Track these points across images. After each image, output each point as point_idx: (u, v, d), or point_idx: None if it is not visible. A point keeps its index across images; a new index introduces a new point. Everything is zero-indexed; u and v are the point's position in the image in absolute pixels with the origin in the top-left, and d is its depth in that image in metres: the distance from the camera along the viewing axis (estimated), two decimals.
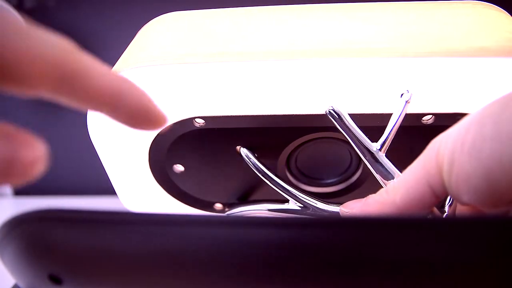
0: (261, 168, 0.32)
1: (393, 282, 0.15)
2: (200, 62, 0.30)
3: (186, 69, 0.30)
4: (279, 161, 0.34)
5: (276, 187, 0.32)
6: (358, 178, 0.35)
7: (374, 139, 0.28)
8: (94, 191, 0.68)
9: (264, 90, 0.30)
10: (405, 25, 0.32)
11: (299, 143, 0.33)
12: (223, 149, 0.33)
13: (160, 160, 0.34)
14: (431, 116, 0.30)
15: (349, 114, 0.29)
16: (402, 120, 0.28)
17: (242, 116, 0.31)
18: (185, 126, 0.32)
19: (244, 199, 0.36)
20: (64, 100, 0.16)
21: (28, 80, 0.14)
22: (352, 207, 0.24)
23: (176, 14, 0.38)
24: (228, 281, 0.16)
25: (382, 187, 0.26)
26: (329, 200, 0.32)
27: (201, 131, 0.32)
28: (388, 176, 0.27)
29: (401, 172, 0.27)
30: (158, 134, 0.33)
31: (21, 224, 0.16)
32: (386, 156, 0.28)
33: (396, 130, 0.27)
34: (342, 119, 0.28)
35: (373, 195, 0.23)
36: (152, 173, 0.35)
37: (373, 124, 0.30)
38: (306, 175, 0.35)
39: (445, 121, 0.30)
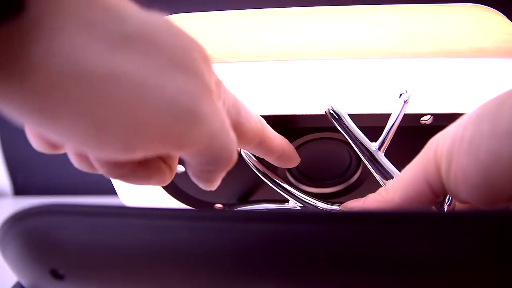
0: (261, 169, 0.32)
1: (393, 277, 0.16)
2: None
3: None
4: None
5: (276, 187, 0.32)
6: (357, 179, 0.35)
7: (374, 139, 0.28)
8: (94, 191, 0.68)
9: (264, 90, 0.30)
10: (404, 27, 0.32)
11: (299, 143, 0.33)
12: None
13: None
14: (429, 116, 0.30)
15: (348, 114, 0.29)
16: (401, 120, 0.28)
17: None
18: None
19: (244, 200, 0.37)
20: (253, 151, 0.27)
21: (247, 143, 0.25)
22: (352, 207, 0.24)
23: (180, 16, 0.38)
24: (230, 275, 0.16)
25: (382, 186, 0.27)
26: (329, 200, 0.32)
27: None
28: (387, 175, 0.27)
29: (400, 171, 0.27)
30: None
31: (22, 219, 0.16)
32: (385, 155, 0.28)
33: (395, 130, 0.28)
34: (341, 119, 0.28)
35: (373, 194, 0.23)
36: None
37: (372, 124, 0.30)
38: (306, 176, 0.36)
39: (443, 121, 0.30)
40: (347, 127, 0.28)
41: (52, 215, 0.16)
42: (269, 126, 0.27)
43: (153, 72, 0.15)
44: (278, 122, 0.31)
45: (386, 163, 0.28)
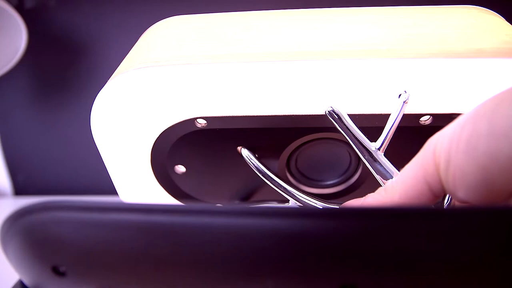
0: (261, 169, 0.33)
1: (395, 274, 0.16)
2: (202, 63, 0.30)
3: (188, 70, 0.30)
4: (280, 161, 0.34)
5: (277, 188, 0.32)
6: (357, 180, 0.35)
7: (374, 140, 0.28)
8: (94, 191, 0.68)
9: (265, 91, 0.30)
10: (403, 28, 0.32)
11: (300, 143, 0.33)
12: (224, 149, 0.34)
13: (162, 161, 0.34)
14: (429, 116, 0.30)
15: (348, 114, 0.29)
16: (401, 121, 0.28)
17: (243, 116, 0.31)
18: (187, 126, 0.32)
19: (246, 200, 0.37)
20: None
21: None
22: (351, 207, 0.24)
23: (179, 18, 0.38)
24: (229, 273, 0.16)
25: (381, 186, 0.27)
26: (330, 201, 0.32)
27: (202, 131, 0.32)
28: (387, 175, 0.27)
29: (399, 171, 0.27)
30: (160, 135, 0.33)
31: (23, 216, 0.16)
32: (384, 155, 0.28)
33: (395, 130, 0.28)
34: (341, 119, 0.28)
35: (372, 194, 0.23)
36: (154, 174, 0.35)
37: (372, 125, 0.30)
38: (306, 176, 0.36)
39: (442, 121, 0.30)
40: (347, 127, 0.28)
41: (52, 212, 0.16)
42: None
43: None
44: (278, 123, 0.31)
45: (386, 163, 0.28)
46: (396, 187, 0.22)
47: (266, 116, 0.31)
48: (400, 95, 0.28)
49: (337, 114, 0.28)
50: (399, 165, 0.27)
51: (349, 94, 0.30)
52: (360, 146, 0.28)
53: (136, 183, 0.37)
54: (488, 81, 0.29)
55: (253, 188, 0.36)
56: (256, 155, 0.33)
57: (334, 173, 0.35)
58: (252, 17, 0.36)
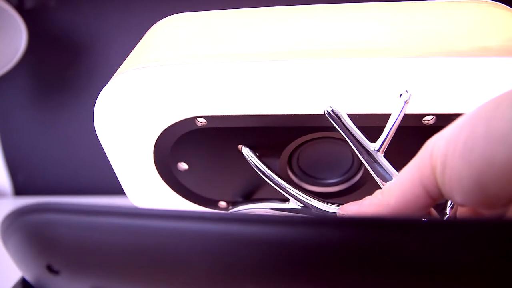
0: (261, 167, 0.32)
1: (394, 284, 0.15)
2: (202, 63, 0.30)
3: (188, 69, 0.30)
4: (281, 160, 0.34)
5: (277, 186, 0.32)
6: (360, 179, 0.35)
7: (376, 139, 0.28)
8: (94, 191, 0.68)
9: (264, 90, 0.30)
10: (408, 25, 0.32)
11: (300, 142, 0.33)
12: (225, 147, 0.33)
13: (165, 158, 0.35)
14: (432, 116, 0.30)
15: (350, 114, 0.28)
16: (403, 121, 0.28)
17: (243, 115, 0.31)
18: (187, 125, 0.32)
19: (248, 197, 0.37)
20: None
21: None
22: (348, 210, 0.24)
23: (181, 15, 0.38)
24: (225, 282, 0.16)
25: (380, 188, 0.26)
26: (330, 200, 0.32)
27: (203, 130, 0.32)
28: (386, 177, 0.27)
29: (399, 173, 0.27)
30: (161, 133, 0.33)
31: (21, 215, 0.17)
32: (385, 156, 0.28)
33: (395, 130, 0.27)
34: (340, 119, 0.28)
35: (369, 196, 0.23)
36: (157, 171, 0.36)
37: (374, 124, 0.30)
38: (308, 175, 0.35)
39: (446, 121, 0.30)
40: (346, 127, 0.28)
41: (47, 213, 0.16)
42: None
43: None
44: (278, 122, 0.31)
45: (386, 164, 0.27)
46: (393, 190, 0.21)
47: (266, 115, 0.31)
48: (401, 95, 0.27)
49: (336, 114, 0.28)
50: (401, 166, 0.27)
51: (351, 94, 0.29)
52: (359, 147, 0.27)
53: (140, 180, 0.37)
54: (492, 80, 0.28)
55: (255, 185, 0.36)
56: (257, 154, 0.33)
57: (337, 172, 0.35)
58: (252, 14, 0.36)
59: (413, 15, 0.33)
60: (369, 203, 0.22)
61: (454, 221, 0.16)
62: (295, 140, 0.32)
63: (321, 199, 0.31)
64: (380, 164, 0.27)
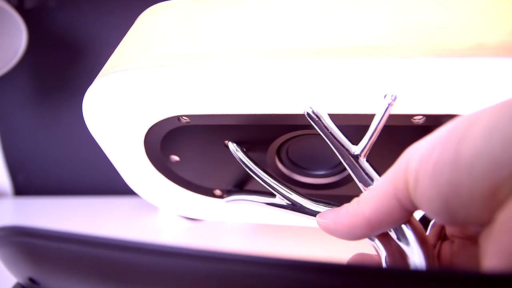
0: (248, 163, 0.32)
1: None
2: (180, 65, 0.30)
3: (167, 72, 0.30)
4: (269, 153, 0.34)
5: (262, 182, 0.32)
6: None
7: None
8: (94, 191, 0.68)
9: (247, 90, 0.29)
10: (403, 15, 0.30)
11: (286, 138, 0.33)
12: (212, 143, 0.34)
13: (156, 152, 0.35)
14: (421, 116, 0.29)
15: (339, 114, 0.27)
16: (392, 120, 0.27)
17: (226, 115, 0.31)
18: (172, 123, 0.33)
19: (241, 187, 0.37)
20: None
21: None
22: (326, 217, 0.23)
23: (166, 3, 0.38)
24: None
25: (361, 193, 0.25)
26: (314, 198, 0.30)
27: (188, 127, 0.32)
28: (368, 181, 0.26)
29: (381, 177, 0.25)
30: (149, 130, 0.33)
31: (7, 236, 0.19)
32: (372, 156, 0.27)
33: (378, 133, 0.26)
34: (321, 120, 0.27)
35: (347, 204, 0.22)
36: (152, 163, 0.36)
37: (361, 124, 0.29)
38: (298, 166, 0.35)
39: (436, 121, 0.29)
40: (327, 129, 0.26)
41: (24, 237, 0.19)
42: None
43: None
44: (262, 121, 0.31)
45: (368, 168, 0.26)
46: (368, 200, 0.20)
47: (250, 114, 0.30)
48: (385, 96, 0.25)
49: (316, 115, 0.26)
50: (390, 166, 0.26)
51: (337, 94, 0.28)
52: (341, 149, 0.26)
53: (138, 172, 0.38)
54: (484, 81, 0.27)
55: (246, 176, 0.36)
56: (244, 149, 0.33)
57: (327, 164, 0.35)
58: (237, 5, 0.35)
59: (412, 5, 0.31)
60: (345, 213, 0.22)
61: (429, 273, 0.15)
62: (282, 136, 0.32)
63: (306, 196, 0.31)
64: (361, 168, 0.26)
